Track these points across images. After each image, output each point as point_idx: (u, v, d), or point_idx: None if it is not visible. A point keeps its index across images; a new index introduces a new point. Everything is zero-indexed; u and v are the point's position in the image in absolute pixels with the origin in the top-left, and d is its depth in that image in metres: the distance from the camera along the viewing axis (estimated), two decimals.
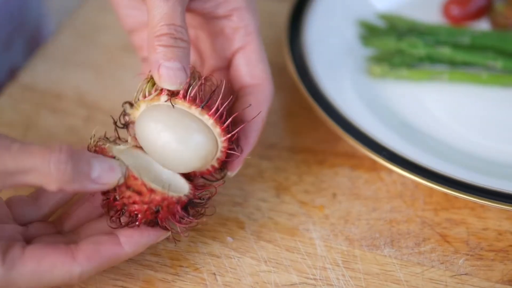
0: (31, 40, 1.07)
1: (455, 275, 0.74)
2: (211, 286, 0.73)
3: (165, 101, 0.70)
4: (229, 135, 0.71)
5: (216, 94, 0.71)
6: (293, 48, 0.92)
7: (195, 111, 0.70)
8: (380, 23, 1.00)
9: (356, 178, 0.83)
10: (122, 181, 0.67)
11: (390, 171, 0.82)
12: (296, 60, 0.91)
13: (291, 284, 0.74)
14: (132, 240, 0.69)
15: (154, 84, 0.71)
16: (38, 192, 0.73)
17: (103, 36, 1.02)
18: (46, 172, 0.63)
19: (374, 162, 0.82)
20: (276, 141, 0.88)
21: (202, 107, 0.70)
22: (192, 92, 0.70)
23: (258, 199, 0.81)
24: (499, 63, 0.93)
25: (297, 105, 0.92)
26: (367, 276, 0.74)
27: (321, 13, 0.98)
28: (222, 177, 0.74)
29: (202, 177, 0.74)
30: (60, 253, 0.67)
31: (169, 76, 0.70)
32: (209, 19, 0.79)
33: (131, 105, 0.72)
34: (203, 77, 0.72)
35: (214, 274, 0.74)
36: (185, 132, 0.70)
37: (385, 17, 1.00)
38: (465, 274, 0.74)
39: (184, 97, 0.70)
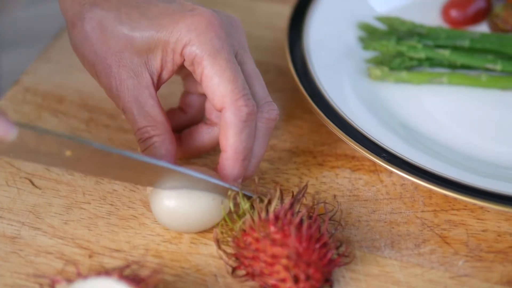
0: None
1: (454, 277, 0.74)
2: (212, 287, 0.73)
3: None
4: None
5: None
6: (293, 50, 0.93)
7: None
8: (379, 26, 1.00)
9: (356, 180, 0.83)
10: None
11: (390, 173, 0.83)
12: (297, 63, 0.91)
13: None
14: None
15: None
16: None
17: None
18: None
19: (374, 164, 0.82)
20: (276, 143, 0.88)
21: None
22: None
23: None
24: (498, 66, 0.93)
25: (297, 107, 0.92)
26: (367, 277, 0.74)
27: (322, 15, 0.98)
28: None
29: None
30: None
31: None
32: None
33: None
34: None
35: (215, 275, 0.75)
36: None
37: (385, 19, 1.01)
38: (465, 275, 0.74)
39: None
